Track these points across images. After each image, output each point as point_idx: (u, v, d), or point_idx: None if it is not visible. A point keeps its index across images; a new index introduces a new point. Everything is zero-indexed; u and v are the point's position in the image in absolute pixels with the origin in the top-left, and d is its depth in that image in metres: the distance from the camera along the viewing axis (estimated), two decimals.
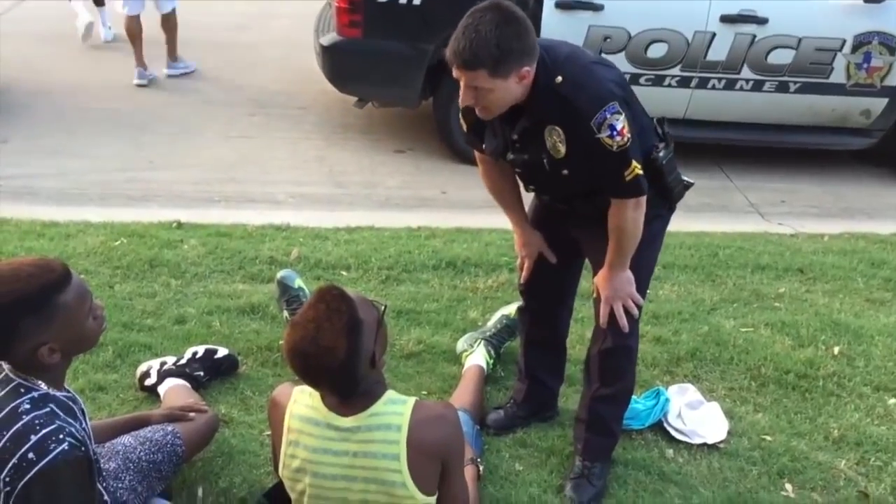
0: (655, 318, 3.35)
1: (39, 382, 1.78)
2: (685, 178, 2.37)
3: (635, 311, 2.36)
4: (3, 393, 1.76)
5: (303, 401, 1.93)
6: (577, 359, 2.79)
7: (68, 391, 1.88)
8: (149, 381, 2.72)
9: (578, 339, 3.02)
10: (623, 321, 2.34)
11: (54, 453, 1.68)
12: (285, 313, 3.06)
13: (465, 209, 4.36)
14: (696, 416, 2.80)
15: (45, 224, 3.81)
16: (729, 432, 2.77)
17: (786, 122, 5.00)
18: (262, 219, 4.02)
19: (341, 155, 5.08)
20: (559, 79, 2.06)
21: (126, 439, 2.22)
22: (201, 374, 2.76)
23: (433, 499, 1.93)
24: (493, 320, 3.09)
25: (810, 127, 5.01)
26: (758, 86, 4.78)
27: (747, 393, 2.99)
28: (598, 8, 4.56)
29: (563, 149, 2.13)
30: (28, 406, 1.73)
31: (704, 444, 2.71)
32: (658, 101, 4.50)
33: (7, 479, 1.67)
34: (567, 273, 2.59)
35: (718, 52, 4.68)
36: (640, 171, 2.12)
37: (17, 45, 6.07)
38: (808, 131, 5.03)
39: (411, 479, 1.86)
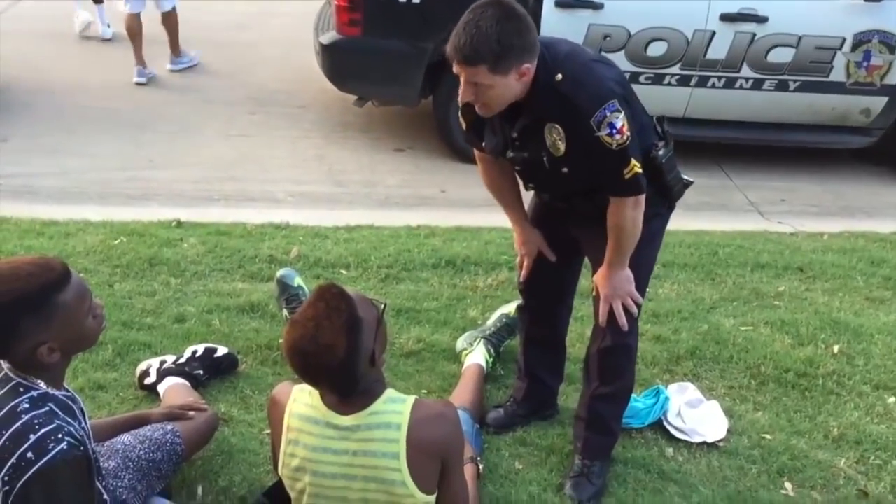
0: (655, 316, 3.35)
1: (39, 381, 1.78)
2: (684, 177, 2.37)
3: (634, 310, 2.36)
4: (2, 392, 1.76)
5: (302, 399, 1.93)
6: (577, 357, 2.79)
7: (67, 390, 1.88)
8: (148, 380, 2.71)
9: (578, 337, 3.02)
10: (622, 320, 2.34)
11: (53, 453, 1.68)
12: (285, 312, 3.06)
13: (464, 208, 4.36)
14: (696, 414, 2.80)
15: (44, 223, 3.81)
16: (728, 431, 2.77)
17: (785, 121, 5.00)
18: (261, 217, 4.02)
19: (341, 153, 5.08)
20: (559, 76, 2.06)
21: (125, 438, 2.22)
22: (201, 372, 2.76)
23: (433, 497, 1.93)
24: (493, 319, 3.09)
25: (810, 125, 5.01)
26: (757, 84, 4.78)
27: (747, 391, 2.99)
28: (597, 6, 4.56)
29: (562, 147, 2.13)
30: (27, 405, 1.73)
31: (704, 443, 2.71)
32: (658, 99, 4.49)
33: (6, 479, 1.67)
34: (567, 271, 2.59)
35: (718, 51, 4.68)
36: (640, 170, 2.12)
37: (17, 44, 6.07)
38: (807, 130, 5.03)
39: (411, 478, 1.86)
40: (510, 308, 3.04)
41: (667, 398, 2.81)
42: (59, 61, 6.16)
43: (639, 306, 2.37)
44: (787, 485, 2.59)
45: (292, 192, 4.55)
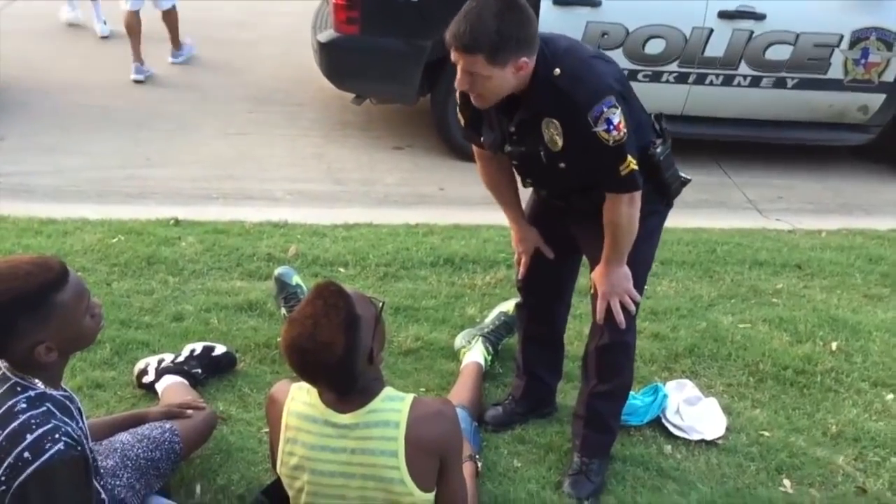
0: (653, 314, 3.35)
1: (36, 381, 1.78)
2: (682, 175, 2.36)
3: (632, 308, 2.36)
4: None
5: (300, 398, 1.93)
6: (576, 355, 2.79)
7: (65, 390, 1.87)
8: (146, 379, 2.71)
9: (577, 335, 3.02)
10: (620, 317, 2.34)
11: (50, 453, 1.68)
12: (283, 310, 3.06)
13: (463, 206, 4.36)
14: (695, 412, 2.80)
15: (42, 221, 3.80)
16: (727, 428, 2.77)
17: (783, 118, 5.00)
18: (259, 216, 4.01)
19: (339, 152, 5.07)
20: (557, 71, 2.06)
21: (124, 437, 2.22)
22: (199, 371, 2.75)
23: (431, 495, 1.93)
24: (491, 317, 3.09)
25: (808, 123, 5.01)
26: (755, 82, 4.78)
27: (745, 389, 2.99)
28: (595, 4, 4.56)
29: (559, 141, 2.13)
30: (24, 405, 1.73)
31: (703, 440, 2.72)
32: (656, 97, 4.49)
33: (3, 479, 1.67)
34: (564, 269, 2.59)
35: (716, 49, 4.67)
36: (636, 167, 2.12)
37: (13, 43, 6.05)
38: (805, 127, 5.03)
39: (409, 476, 1.86)
40: (508, 306, 3.04)
41: (665, 396, 2.82)
42: (56, 60, 6.15)
43: (637, 304, 2.37)
44: (786, 482, 2.59)
45: (290, 190, 4.55)
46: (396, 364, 2.94)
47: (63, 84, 5.74)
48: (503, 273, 3.55)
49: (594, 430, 2.53)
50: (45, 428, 1.70)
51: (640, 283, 2.38)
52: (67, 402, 1.82)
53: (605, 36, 4.59)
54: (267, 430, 2.25)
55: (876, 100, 4.87)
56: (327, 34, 4.82)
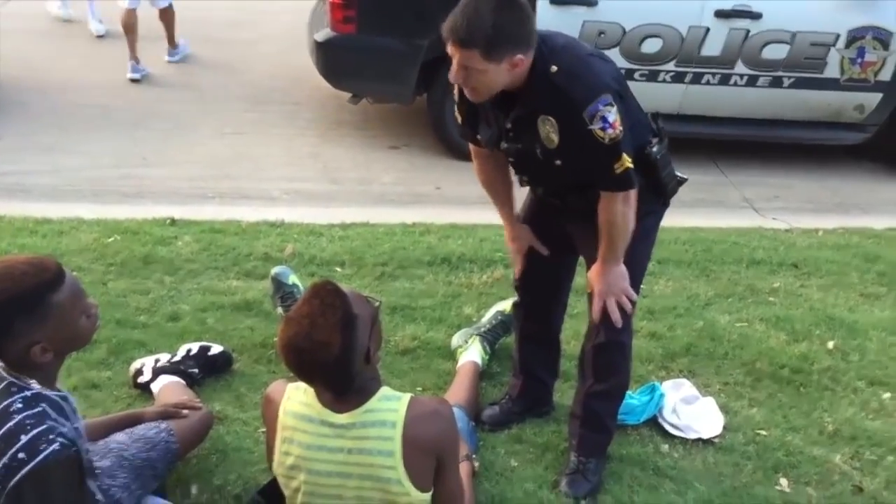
0: (650, 313, 3.35)
1: (31, 381, 1.78)
2: (679, 174, 2.36)
3: (628, 307, 2.35)
4: None
5: (297, 398, 1.92)
6: (572, 354, 2.79)
7: (60, 390, 1.87)
8: (142, 379, 2.70)
9: (573, 334, 3.01)
10: (616, 316, 2.33)
11: (45, 453, 1.68)
12: (279, 310, 3.06)
13: (459, 205, 4.35)
14: (692, 411, 2.80)
15: (38, 221, 3.79)
16: (724, 427, 2.77)
17: (780, 117, 5.00)
18: (256, 215, 4.01)
19: (336, 151, 5.07)
20: (554, 68, 2.06)
21: (120, 437, 2.21)
22: (195, 371, 2.75)
23: (428, 495, 1.93)
24: (488, 316, 3.09)
25: (804, 122, 5.02)
26: (752, 81, 4.79)
27: (742, 388, 2.99)
28: (592, 3, 4.56)
29: (555, 139, 2.12)
30: (20, 405, 1.72)
31: (699, 439, 2.72)
32: (652, 96, 4.49)
33: None
34: (561, 268, 2.59)
35: (713, 48, 4.68)
36: (630, 165, 2.12)
37: (10, 43, 6.03)
38: (802, 126, 5.04)
39: (406, 476, 1.86)
40: (505, 305, 3.04)
41: (662, 395, 2.82)
42: (53, 59, 6.13)
43: (633, 303, 2.37)
44: (783, 481, 2.59)
45: (287, 189, 4.54)
46: (393, 363, 2.94)
47: (59, 83, 5.72)
48: (500, 272, 3.54)
49: (591, 429, 2.52)
50: (41, 429, 1.70)
51: (636, 283, 2.38)
52: (63, 403, 1.82)
53: (602, 35, 4.59)
54: (263, 429, 2.24)
55: (872, 99, 4.88)
56: (324, 33, 4.81)
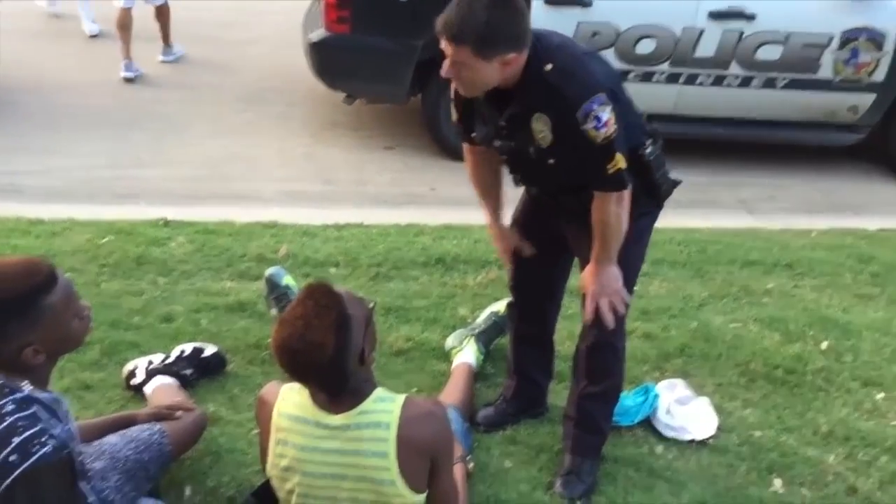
0: (645, 313, 3.35)
1: (24, 383, 1.77)
2: (672, 177, 2.36)
3: (621, 308, 2.35)
4: None
5: (291, 399, 1.92)
6: (567, 355, 2.79)
7: (52, 392, 1.86)
8: (135, 380, 2.69)
9: (568, 335, 3.01)
10: (608, 317, 2.32)
11: (37, 456, 1.67)
12: (273, 311, 3.05)
13: (454, 206, 4.34)
14: (686, 411, 2.80)
15: (30, 221, 3.77)
16: (718, 428, 2.77)
17: (774, 118, 5.01)
18: (249, 216, 3.99)
19: (330, 152, 5.06)
20: (549, 66, 2.05)
21: (112, 439, 2.20)
22: (188, 372, 2.74)
23: (423, 496, 1.92)
24: (483, 317, 3.09)
25: (798, 123, 5.03)
26: (746, 82, 4.80)
27: (736, 388, 3.00)
28: (586, 4, 4.56)
29: (549, 137, 2.12)
30: (11, 407, 1.71)
31: (694, 440, 2.72)
32: (647, 97, 4.48)
33: None
34: (555, 269, 2.59)
35: (707, 49, 4.68)
36: (624, 165, 2.11)
37: (2, 42, 6.01)
38: (796, 127, 5.05)
39: (401, 477, 1.86)
40: (500, 306, 3.04)
41: (656, 396, 2.82)
42: (46, 59, 6.12)
43: (626, 305, 2.37)
44: (777, 481, 2.59)
45: (281, 190, 4.53)
46: (387, 365, 2.93)
47: (52, 83, 5.71)
48: (495, 273, 3.54)
49: (585, 430, 2.52)
50: (32, 431, 1.69)
51: (629, 284, 2.38)
52: (55, 405, 1.81)
53: (596, 36, 4.60)
54: (257, 431, 2.23)
55: (866, 100, 4.89)
56: (318, 33, 4.81)
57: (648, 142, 2.25)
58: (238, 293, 3.30)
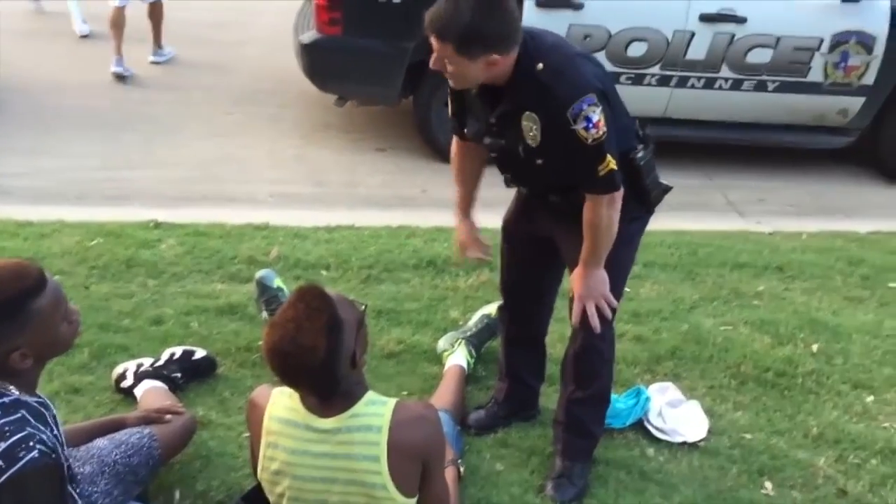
0: (636, 316, 3.35)
1: (11, 387, 1.75)
2: (663, 182, 2.36)
3: (608, 312, 2.33)
4: None
5: (282, 402, 1.91)
6: (559, 358, 2.77)
7: (40, 396, 1.85)
8: (125, 383, 2.68)
9: (560, 337, 3.00)
10: (594, 321, 2.31)
11: (24, 461, 1.65)
12: (264, 313, 3.04)
13: (445, 208, 4.29)
14: (677, 414, 2.80)
15: (19, 223, 3.75)
16: (709, 431, 2.78)
17: (764, 121, 5.03)
18: (240, 218, 3.98)
19: (321, 153, 5.05)
20: (540, 66, 2.05)
21: (101, 442, 2.19)
22: (178, 375, 2.72)
23: (413, 500, 1.92)
24: (474, 320, 3.09)
25: (789, 126, 5.05)
26: (736, 85, 4.81)
27: (727, 391, 3.00)
28: (577, 7, 4.57)
29: (538, 137, 2.11)
30: None
31: (685, 443, 2.72)
32: (638, 99, 4.49)
33: None
34: (546, 271, 2.58)
35: (698, 52, 4.70)
36: (615, 167, 2.11)
37: None
38: (786, 130, 5.07)
39: (391, 481, 1.85)
40: (491, 309, 3.03)
41: (647, 398, 2.82)
42: (36, 59, 6.08)
43: (613, 310, 2.36)
44: (767, 484, 2.60)
45: (272, 192, 4.52)
46: (379, 367, 2.93)
47: (43, 84, 5.67)
48: (486, 276, 3.53)
49: (574, 434, 2.52)
50: (20, 435, 1.67)
51: (618, 289, 2.37)
52: (42, 409, 1.80)
53: (588, 38, 4.60)
54: (247, 434, 2.23)
55: (855, 103, 4.91)
56: (309, 35, 4.80)
57: (640, 146, 2.25)
58: (229, 295, 3.28)
